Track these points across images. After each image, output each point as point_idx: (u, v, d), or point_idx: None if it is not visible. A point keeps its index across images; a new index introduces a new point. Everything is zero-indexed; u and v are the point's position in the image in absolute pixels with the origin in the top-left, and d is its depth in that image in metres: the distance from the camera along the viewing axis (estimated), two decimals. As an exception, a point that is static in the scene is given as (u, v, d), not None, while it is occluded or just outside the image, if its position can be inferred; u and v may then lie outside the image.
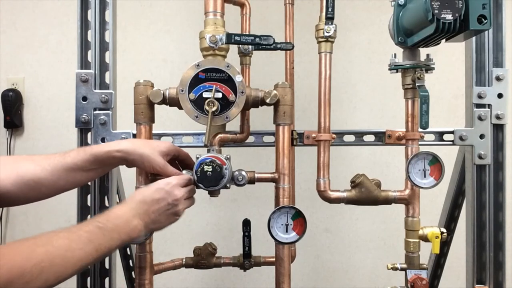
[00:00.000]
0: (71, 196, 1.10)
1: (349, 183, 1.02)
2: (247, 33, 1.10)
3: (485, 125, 1.07)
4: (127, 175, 1.14)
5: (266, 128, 1.09)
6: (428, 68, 0.96)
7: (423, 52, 0.96)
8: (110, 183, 1.05)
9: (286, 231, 0.92)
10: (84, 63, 1.05)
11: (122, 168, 1.15)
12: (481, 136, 1.08)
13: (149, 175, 0.93)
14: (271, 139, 1.08)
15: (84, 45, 1.05)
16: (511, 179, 1.17)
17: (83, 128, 1.05)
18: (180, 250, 1.56)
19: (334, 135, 1.04)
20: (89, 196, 1.05)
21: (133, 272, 1.24)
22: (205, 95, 0.91)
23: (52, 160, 0.84)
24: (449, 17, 0.76)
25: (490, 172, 1.08)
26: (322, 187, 1.01)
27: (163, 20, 1.61)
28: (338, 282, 1.63)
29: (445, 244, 1.22)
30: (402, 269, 1.00)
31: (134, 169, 0.94)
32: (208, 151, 0.94)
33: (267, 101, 0.93)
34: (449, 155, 1.10)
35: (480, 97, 1.07)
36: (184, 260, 1.07)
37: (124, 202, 0.84)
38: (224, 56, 0.95)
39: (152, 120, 0.96)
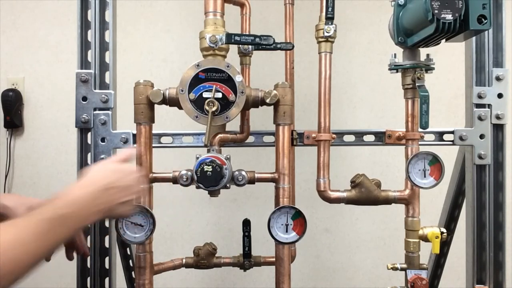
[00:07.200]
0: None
1: (349, 183, 1.02)
2: (247, 33, 1.10)
3: (485, 125, 1.07)
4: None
5: (266, 128, 1.09)
6: (428, 68, 0.96)
7: (423, 52, 0.95)
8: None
9: (286, 231, 0.92)
10: (84, 63, 1.05)
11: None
12: (481, 136, 1.08)
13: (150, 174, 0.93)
14: (271, 139, 1.08)
15: (84, 45, 1.05)
16: (511, 179, 1.17)
17: (83, 128, 1.05)
18: (180, 250, 1.58)
19: (334, 135, 1.04)
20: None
21: (133, 272, 1.24)
22: (205, 95, 0.91)
23: None
24: (449, 17, 0.75)
25: (490, 172, 1.08)
26: (322, 187, 1.01)
27: (163, 20, 1.61)
28: (338, 282, 1.63)
29: (445, 244, 1.22)
30: (402, 269, 1.00)
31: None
32: (208, 151, 0.94)
33: (267, 101, 0.93)
34: (449, 155, 1.10)
35: (480, 97, 1.07)
36: (184, 260, 1.07)
37: (82, 182, 0.76)
38: (224, 56, 0.95)
39: (152, 120, 0.95)
